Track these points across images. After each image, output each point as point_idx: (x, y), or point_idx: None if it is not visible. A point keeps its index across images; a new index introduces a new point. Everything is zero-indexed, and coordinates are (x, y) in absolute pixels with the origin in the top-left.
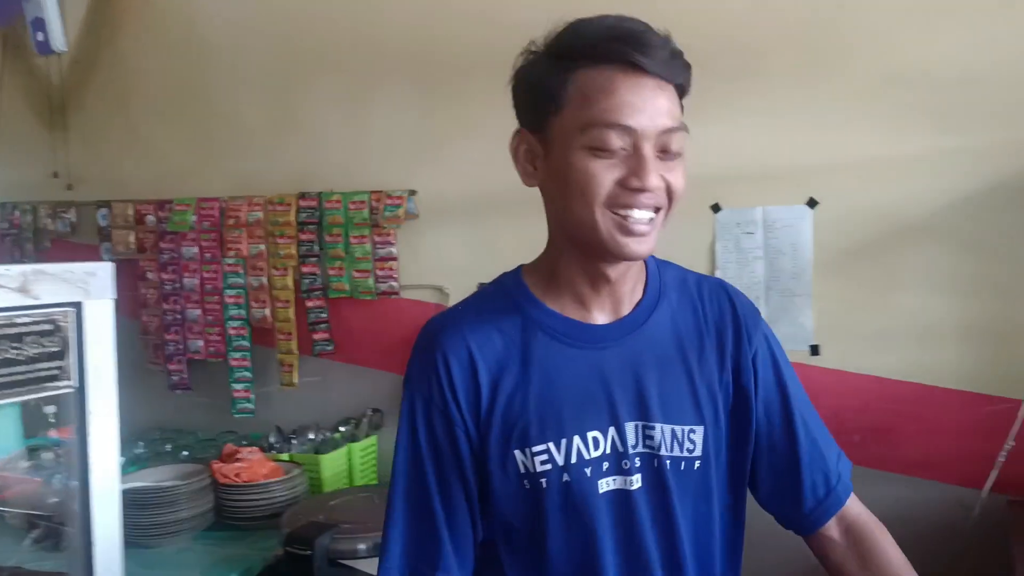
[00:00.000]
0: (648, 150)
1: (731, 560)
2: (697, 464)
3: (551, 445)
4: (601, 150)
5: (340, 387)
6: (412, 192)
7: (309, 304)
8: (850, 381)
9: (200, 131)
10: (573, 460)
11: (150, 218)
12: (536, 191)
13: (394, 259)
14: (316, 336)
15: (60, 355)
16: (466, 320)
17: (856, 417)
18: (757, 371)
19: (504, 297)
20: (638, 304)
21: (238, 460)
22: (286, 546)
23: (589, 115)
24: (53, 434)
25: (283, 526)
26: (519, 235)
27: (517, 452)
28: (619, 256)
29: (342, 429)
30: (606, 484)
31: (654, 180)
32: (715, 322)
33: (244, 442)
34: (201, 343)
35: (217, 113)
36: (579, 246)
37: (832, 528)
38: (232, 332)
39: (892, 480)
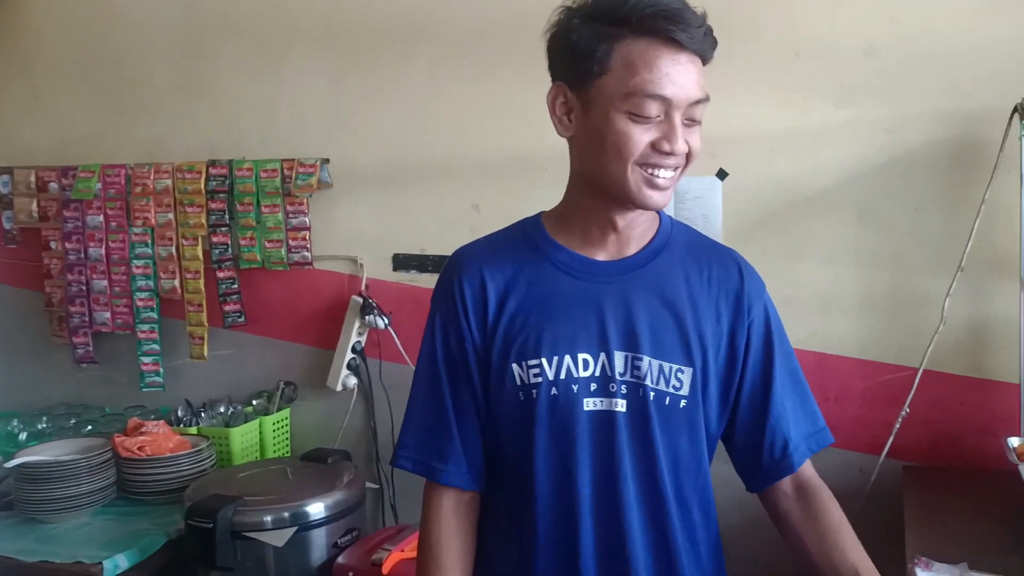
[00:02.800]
0: (678, 118)
1: (703, 498)
2: (683, 403)
3: (544, 360)
4: (640, 116)
5: (253, 360)
6: (325, 160)
7: (220, 275)
8: None
9: (106, 96)
10: (562, 376)
11: (53, 185)
12: (441, 163)
13: (307, 229)
14: (227, 308)
15: None
16: (483, 249)
17: None
18: (751, 339)
19: (521, 233)
20: (642, 249)
21: (142, 434)
22: (187, 519)
23: (632, 84)
24: None
25: (186, 500)
26: (433, 205)
27: (515, 365)
28: (641, 205)
29: (255, 402)
30: (591, 403)
31: (681, 145)
32: (718, 283)
33: (152, 416)
34: (108, 315)
35: (124, 77)
36: (600, 194)
37: (785, 484)
38: (140, 304)
39: None
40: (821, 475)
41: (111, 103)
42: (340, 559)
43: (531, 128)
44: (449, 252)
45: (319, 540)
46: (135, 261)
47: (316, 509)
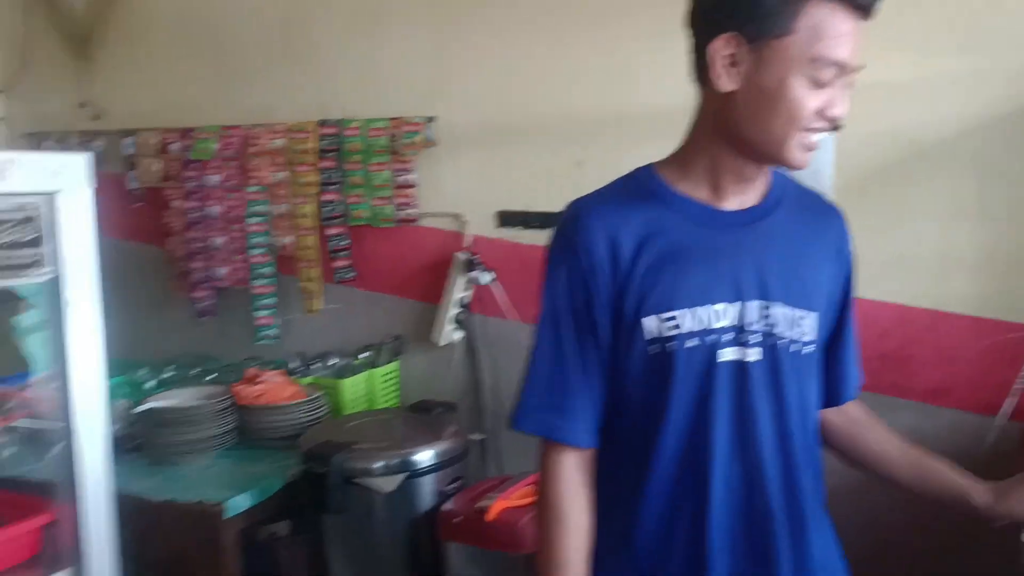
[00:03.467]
0: (843, 84)
1: (817, 447)
2: (805, 349)
3: (680, 312)
4: (819, 82)
5: (361, 314)
6: (430, 119)
7: (330, 232)
8: (868, 308)
9: (221, 60)
10: (699, 327)
11: (175, 146)
12: (545, 119)
13: (413, 186)
14: (337, 264)
15: (36, 243)
16: (606, 201)
17: (873, 344)
18: (841, 288)
19: (638, 186)
20: (763, 200)
21: (260, 383)
22: (303, 463)
23: (817, 50)
24: None
25: (301, 446)
26: (536, 162)
27: (648, 319)
28: (791, 166)
29: (363, 355)
30: (727, 354)
31: (845, 111)
32: (824, 232)
33: (268, 367)
34: (225, 271)
35: (237, 43)
36: (744, 149)
37: (833, 411)
38: (255, 260)
39: (908, 408)
40: (931, 435)
41: (226, 67)
42: (446, 506)
43: (634, 83)
44: (553, 209)
45: (426, 487)
46: (250, 219)
47: (424, 457)
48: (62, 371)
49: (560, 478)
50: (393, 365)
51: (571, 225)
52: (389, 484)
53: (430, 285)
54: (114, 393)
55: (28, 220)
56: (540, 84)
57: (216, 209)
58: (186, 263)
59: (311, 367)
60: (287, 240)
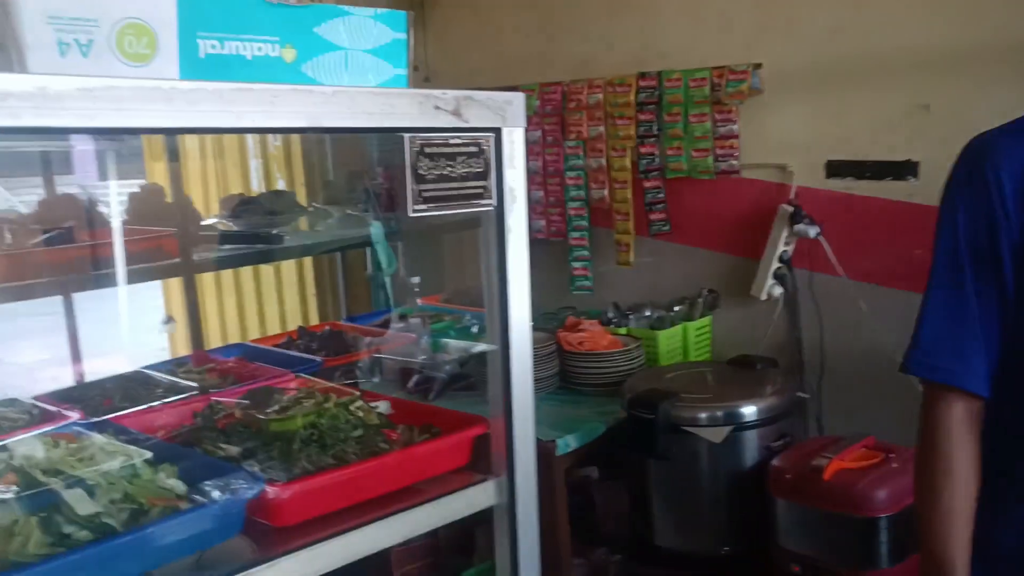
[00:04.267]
0: None
1: None
2: None
3: None
4: None
5: (675, 267)
6: (757, 66)
7: (646, 184)
8: None
9: (542, 20)
10: None
11: None
12: (881, 60)
13: (735, 136)
14: (652, 216)
15: (483, 175)
16: (1015, 136)
17: None
18: None
19: None
20: None
21: (581, 331)
22: (630, 409)
23: None
24: (420, 302)
25: (625, 393)
26: (871, 107)
27: None
28: None
29: (676, 308)
30: None
31: None
32: None
33: (583, 316)
34: (543, 223)
35: (557, 1)
36: None
37: None
38: (572, 212)
39: None
40: None
41: (548, 25)
42: (775, 461)
43: (986, 16)
44: (891, 157)
45: (752, 442)
46: (568, 172)
47: (750, 411)
48: (502, 294)
49: (950, 426)
50: (707, 319)
51: (976, 159)
52: (717, 435)
53: (747, 239)
54: (444, 335)
55: (480, 153)
56: (876, 20)
57: (535, 164)
58: None
59: (627, 318)
60: (602, 193)
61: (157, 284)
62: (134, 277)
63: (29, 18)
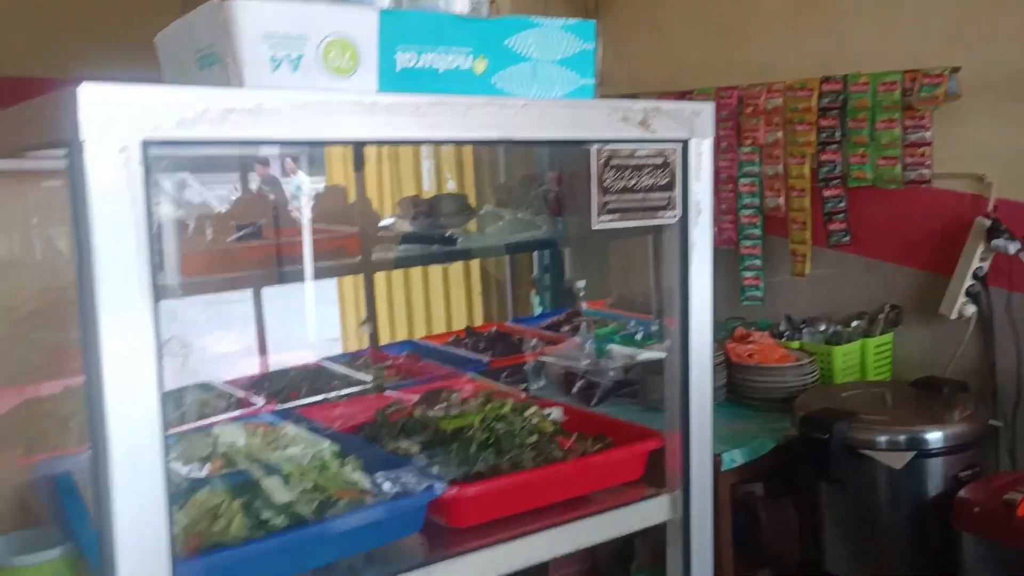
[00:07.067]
0: None
1: None
2: None
3: None
4: None
5: (854, 280)
6: (955, 70)
7: (826, 193)
8: None
9: (719, 25)
10: None
11: None
12: None
13: (927, 144)
14: (832, 226)
15: (669, 187)
16: None
17: None
18: None
19: None
20: None
21: (750, 343)
22: (802, 427)
23: None
24: (584, 306)
25: (797, 410)
26: None
27: None
28: None
29: (854, 323)
30: None
31: None
32: None
33: (752, 328)
34: (714, 230)
35: (735, 4)
36: None
37: None
38: (744, 220)
39: None
40: None
41: (725, 30)
42: (963, 493)
43: None
44: None
45: (936, 469)
46: (742, 179)
47: (935, 437)
48: (683, 309)
49: None
50: (887, 336)
51: None
52: (898, 460)
53: (936, 253)
54: (609, 340)
55: (665, 164)
56: None
57: None
58: None
59: (800, 331)
60: (778, 201)
61: (332, 281)
62: (319, 274)
63: (249, 37)
